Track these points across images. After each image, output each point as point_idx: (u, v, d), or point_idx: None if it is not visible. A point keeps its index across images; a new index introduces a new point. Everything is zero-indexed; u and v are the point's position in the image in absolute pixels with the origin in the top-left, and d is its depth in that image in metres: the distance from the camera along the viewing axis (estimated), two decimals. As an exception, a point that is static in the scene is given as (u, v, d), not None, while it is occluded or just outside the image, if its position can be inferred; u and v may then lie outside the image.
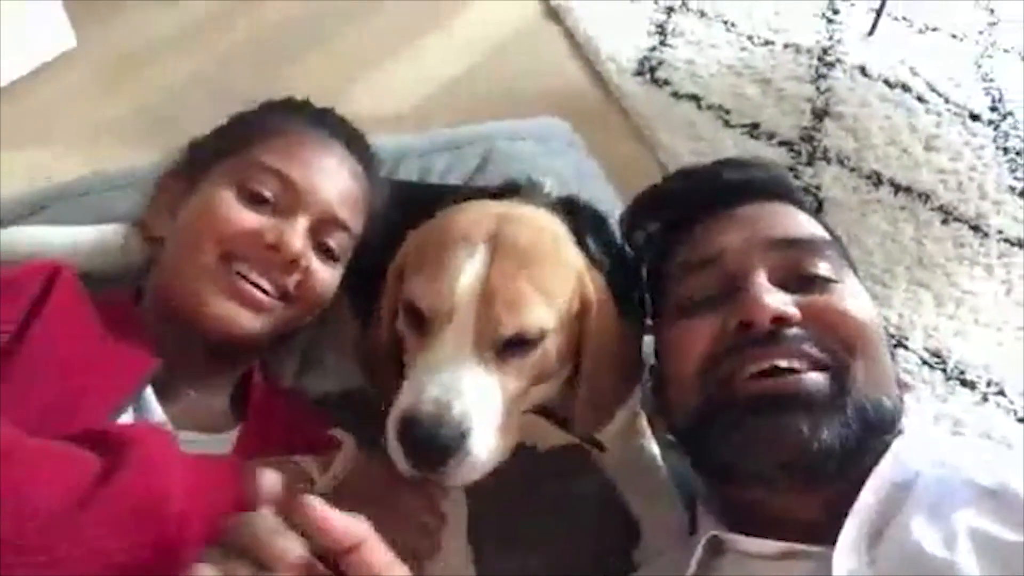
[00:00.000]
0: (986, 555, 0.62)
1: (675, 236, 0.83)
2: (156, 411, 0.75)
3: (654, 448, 0.93)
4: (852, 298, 0.74)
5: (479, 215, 0.74)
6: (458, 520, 0.82)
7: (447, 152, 1.35)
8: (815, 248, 0.76)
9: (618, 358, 0.79)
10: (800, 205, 0.83)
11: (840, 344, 0.71)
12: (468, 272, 0.69)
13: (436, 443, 0.65)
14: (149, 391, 0.76)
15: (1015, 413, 1.37)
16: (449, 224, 0.74)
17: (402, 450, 0.67)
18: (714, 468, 0.78)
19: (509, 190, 0.85)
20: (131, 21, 1.98)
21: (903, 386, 0.77)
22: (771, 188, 0.82)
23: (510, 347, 0.69)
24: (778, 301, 0.71)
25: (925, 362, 1.43)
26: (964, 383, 1.41)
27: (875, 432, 0.70)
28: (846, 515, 0.67)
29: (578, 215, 0.83)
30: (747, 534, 0.73)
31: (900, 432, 0.75)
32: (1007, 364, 1.45)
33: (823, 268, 0.74)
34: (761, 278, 0.73)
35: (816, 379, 0.69)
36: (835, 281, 0.75)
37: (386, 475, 0.70)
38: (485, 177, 1.31)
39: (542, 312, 0.70)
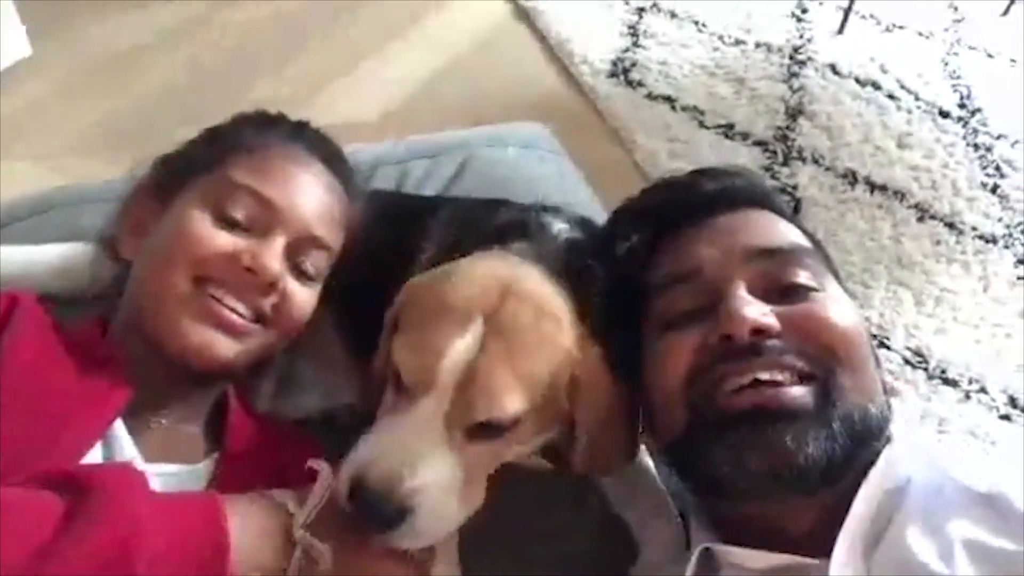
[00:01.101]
0: (983, 566, 0.62)
1: (656, 247, 0.82)
2: (126, 445, 0.72)
3: (649, 462, 0.91)
4: (834, 305, 0.73)
5: (483, 284, 0.72)
6: (448, 548, 0.79)
7: (425, 159, 1.32)
8: (794, 257, 0.75)
9: (615, 420, 0.78)
10: (779, 212, 0.82)
11: (823, 353, 0.70)
12: (456, 351, 0.67)
13: (379, 513, 0.65)
14: (119, 425, 0.72)
15: (997, 410, 1.38)
16: (451, 288, 0.72)
17: (349, 504, 0.66)
18: (702, 482, 0.77)
19: (517, 226, 0.83)
20: (91, 30, 1.92)
21: (890, 391, 0.77)
22: (749, 196, 0.82)
23: (481, 429, 0.69)
24: (757, 313, 0.70)
25: (907, 361, 1.44)
26: (946, 381, 1.41)
27: (863, 441, 0.69)
28: (840, 524, 0.66)
29: (586, 255, 0.82)
30: (741, 546, 0.72)
31: (889, 439, 0.75)
32: (986, 361, 1.46)
33: (803, 276, 0.74)
34: (740, 290, 0.72)
35: (799, 392, 0.68)
36: (816, 289, 0.74)
37: None
38: (464, 184, 1.28)
39: (520, 401, 0.69)
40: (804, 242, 0.78)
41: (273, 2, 2.11)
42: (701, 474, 0.74)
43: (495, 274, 0.73)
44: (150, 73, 1.78)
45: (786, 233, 0.78)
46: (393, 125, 1.76)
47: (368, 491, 0.65)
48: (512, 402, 0.68)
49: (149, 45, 1.89)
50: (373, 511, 0.65)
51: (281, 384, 0.97)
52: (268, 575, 0.63)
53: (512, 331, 0.69)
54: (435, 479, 0.66)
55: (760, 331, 0.69)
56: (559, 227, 0.84)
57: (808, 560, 0.67)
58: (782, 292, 0.73)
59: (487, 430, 0.69)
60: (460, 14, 2.23)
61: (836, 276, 0.79)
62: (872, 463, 0.70)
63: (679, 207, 0.82)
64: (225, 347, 0.78)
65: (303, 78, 1.87)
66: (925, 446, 0.86)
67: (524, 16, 2.22)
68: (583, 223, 0.89)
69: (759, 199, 0.82)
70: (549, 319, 0.72)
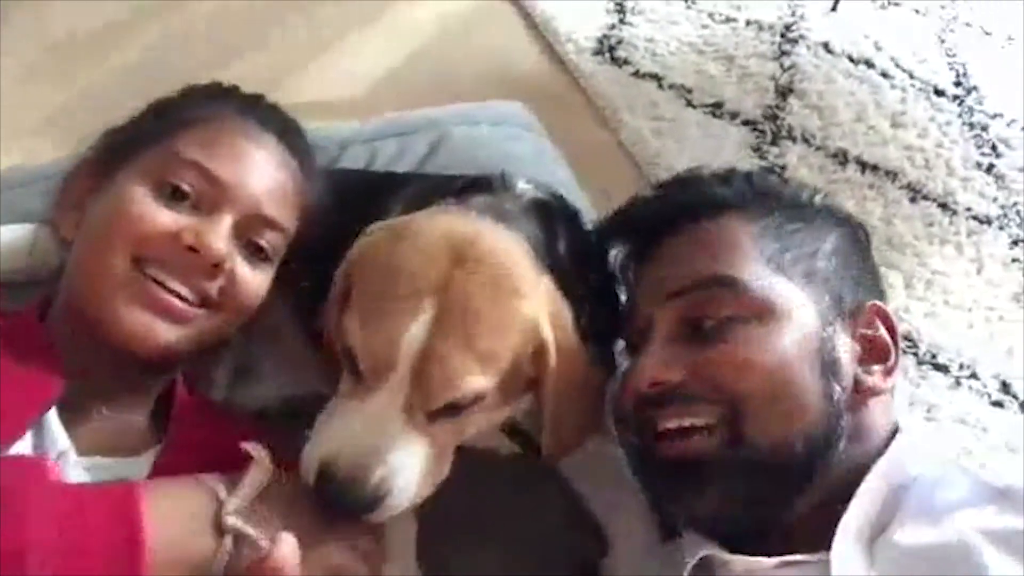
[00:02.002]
0: (1004, 548, 0.62)
1: (636, 260, 0.85)
2: (59, 437, 0.68)
3: (617, 451, 0.87)
4: (753, 337, 0.72)
5: (434, 252, 0.69)
6: (405, 538, 0.76)
7: (396, 138, 1.28)
8: (714, 289, 0.75)
9: (582, 389, 0.76)
10: (750, 213, 0.80)
11: (730, 397, 0.71)
12: (410, 337, 0.66)
13: (350, 502, 0.65)
14: (52, 415, 0.68)
15: (989, 396, 1.34)
16: (401, 258, 0.69)
17: (316, 494, 0.66)
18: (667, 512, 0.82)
19: (480, 186, 0.81)
20: (58, 12, 1.87)
21: (869, 390, 0.75)
22: (719, 203, 0.81)
23: (444, 409, 0.68)
24: (657, 366, 0.73)
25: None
26: (937, 367, 1.37)
27: (786, 473, 0.71)
28: (833, 523, 0.67)
29: (552, 218, 0.80)
30: (739, 550, 0.72)
31: (898, 431, 0.76)
32: (978, 346, 1.42)
33: (720, 311, 0.73)
34: (653, 341, 0.75)
35: (702, 443, 0.71)
36: (736, 319, 0.73)
37: (316, 511, 0.66)
38: (436, 163, 1.24)
39: (480, 380, 0.67)
40: (740, 265, 0.75)
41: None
42: (663, 508, 0.80)
43: (447, 239, 0.70)
44: (118, 54, 1.74)
45: (721, 257, 0.76)
46: (370, 105, 1.71)
47: (339, 481, 0.64)
48: (471, 383, 0.67)
49: (118, 25, 1.85)
50: (345, 499, 0.65)
51: (238, 373, 0.94)
52: (197, 566, 0.60)
53: (467, 306, 0.67)
54: (404, 462, 0.66)
55: (659, 384, 0.73)
56: (523, 186, 0.81)
57: (810, 557, 0.67)
58: (701, 331, 0.74)
59: (449, 409, 0.68)
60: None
61: (837, 278, 0.77)
62: (867, 459, 0.71)
63: (653, 221, 0.84)
64: (165, 332, 0.74)
65: (278, 59, 1.82)
66: (932, 439, 0.88)
67: (509, -6, 2.17)
68: (552, 192, 0.87)
69: (724, 205, 0.81)
70: (507, 286, 0.70)
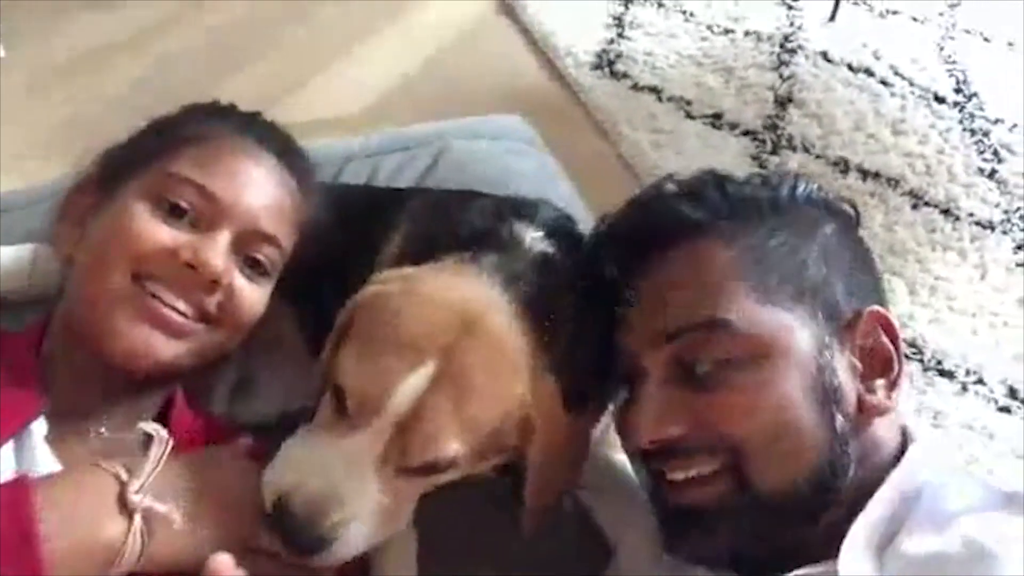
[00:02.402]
0: (1013, 554, 0.60)
1: (624, 280, 0.80)
2: (39, 458, 0.68)
3: (622, 458, 0.87)
4: (750, 378, 0.70)
5: (443, 317, 0.68)
6: (406, 548, 0.76)
7: (397, 153, 1.28)
8: (706, 334, 0.71)
9: (566, 458, 0.77)
10: (725, 234, 0.74)
11: (732, 445, 0.70)
12: (404, 388, 0.65)
13: (296, 538, 0.64)
14: (36, 437, 0.68)
15: (996, 402, 1.33)
16: (409, 314, 0.69)
17: (268, 520, 0.65)
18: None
19: (489, 239, 0.78)
20: (64, 30, 1.89)
21: (874, 410, 0.72)
22: (692, 227, 0.76)
23: (416, 468, 0.68)
24: (654, 423, 0.71)
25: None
26: (942, 373, 1.37)
27: (796, 510, 0.70)
28: (843, 534, 0.66)
29: (559, 271, 0.78)
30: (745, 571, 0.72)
31: (911, 439, 0.74)
32: (984, 351, 1.41)
33: (715, 355, 0.70)
34: (648, 389, 0.73)
35: (705, 491, 0.70)
36: (730, 362, 0.70)
37: (228, 479, 0.68)
38: (437, 177, 1.25)
39: (459, 447, 0.67)
40: (727, 303, 0.71)
41: (239, 3, 2.09)
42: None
43: (457, 305, 0.70)
44: (120, 73, 1.76)
45: (707, 296, 0.72)
46: (372, 121, 1.72)
47: (291, 516, 0.64)
48: (450, 448, 0.66)
49: (120, 45, 1.87)
50: (292, 534, 0.64)
51: (237, 388, 0.94)
52: (108, 550, 0.60)
53: (464, 375, 0.67)
54: (361, 511, 0.65)
55: (662, 440, 0.71)
56: (532, 237, 0.79)
57: (818, 568, 0.66)
58: (694, 375, 0.71)
59: (422, 468, 0.67)
60: (443, 9, 2.20)
61: (805, 290, 0.72)
62: (872, 475, 0.70)
63: (621, 250, 0.80)
64: (164, 348, 0.75)
65: (278, 76, 1.84)
66: (943, 450, 0.86)
67: (508, 10, 2.19)
68: (559, 225, 0.84)
69: (698, 229, 0.75)
70: (506, 363, 0.70)
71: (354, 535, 0.65)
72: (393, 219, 0.88)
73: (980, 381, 1.36)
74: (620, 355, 0.77)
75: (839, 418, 0.70)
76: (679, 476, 0.71)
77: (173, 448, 0.66)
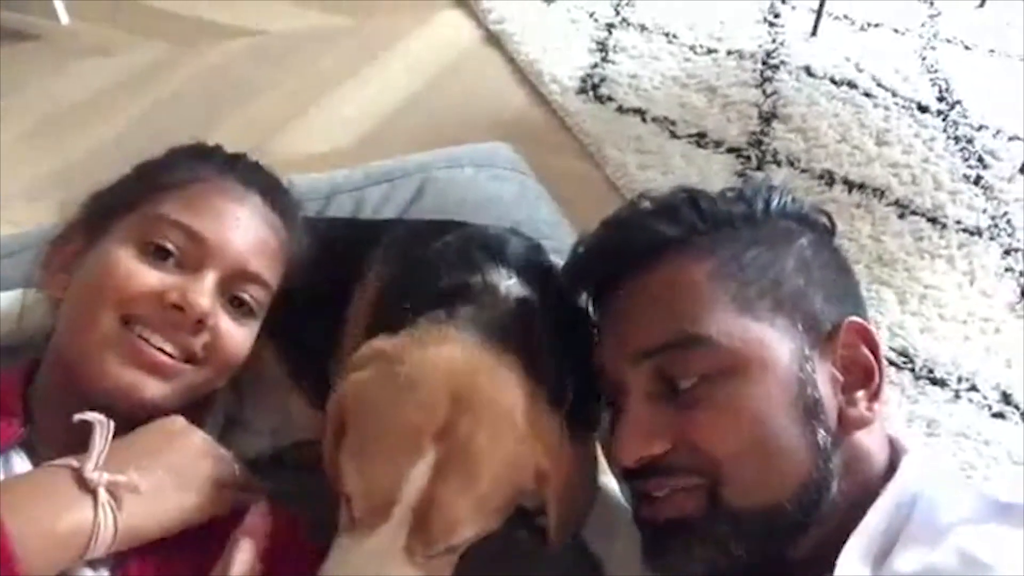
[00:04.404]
0: (1007, 564, 0.60)
1: (598, 307, 0.82)
2: None
3: (610, 482, 0.87)
4: (731, 395, 0.69)
5: (432, 399, 0.68)
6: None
7: (383, 184, 1.30)
8: (685, 350, 0.71)
9: (582, 488, 0.78)
10: (701, 250, 0.75)
11: (709, 465, 0.69)
12: (410, 485, 0.65)
13: None
14: (20, 471, 0.69)
15: (989, 408, 1.32)
16: (395, 409, 0.68)
17: None
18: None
19: (463, 292, 0.78)
20: (62, 77, 1.93)
21: (854, 424, 0.71)
22: (667, 243, 0.75)
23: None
24: (638, 441, 0.71)
25: (892, 363, 1.39)
26: (934, 381, 1.36)
27: (778, 528, 0.69)
28: (843, 543, 0.65)
29: (535, 313, 0.78)
30: None
31: (902, 451, 0.73)
32: (976, 358, 1.41)
33: (694, 371, 0.70)
34: (630, 410, 0.73)
35: (683, 503, 0.70)
36: (710, 377, 0.70)
37: (162, 439, 0.71)
38: (422, 206, 1.26)
39: (476, 524, 0.68)
40: (704, 317, 0.71)
41: (232, 44, 2.13)
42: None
43: (443, 380, 0.69)
44: (111, 121, 1.79)
45: (684, 311, 0.72)
46: (360, 153, 1.74)
47: None
48: (469, 530, 0.67)
49: (116, 91, 1.90)
50: None
51: (227, 424, 0.94)
52: (79, 534, 0.62)
53: (466, 454, 0.66)
54: None
55: (644, 458, 0.71)
56: (506, 285, 0.78)
57: None
58: (676, 391, 0.71)
59: (449, 549, 0.68)
60: (429, 42, 2.24)
61: (807, 297, 0.73)
62: (863, 491, 0.69)
63: (597, 272, 0.80)
64: (153, 388, 0.76)
65: (270, 116, 1.87)
66: (938, 459, 0.85)
67: (494, 41, 2.22)
68: (529, 260, 0.84)
69: (671, 246, 0.75)
70: (505, 426, 0.69)
71: None
72: (366, 255, 0.89)
73: (973, 388, 1.36)
74: (601, 375, 0.76)
75: (821, 432, 0.69)
76: (660, 493, 0.70)
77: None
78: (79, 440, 0.76)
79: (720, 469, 0.68)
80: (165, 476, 0.67)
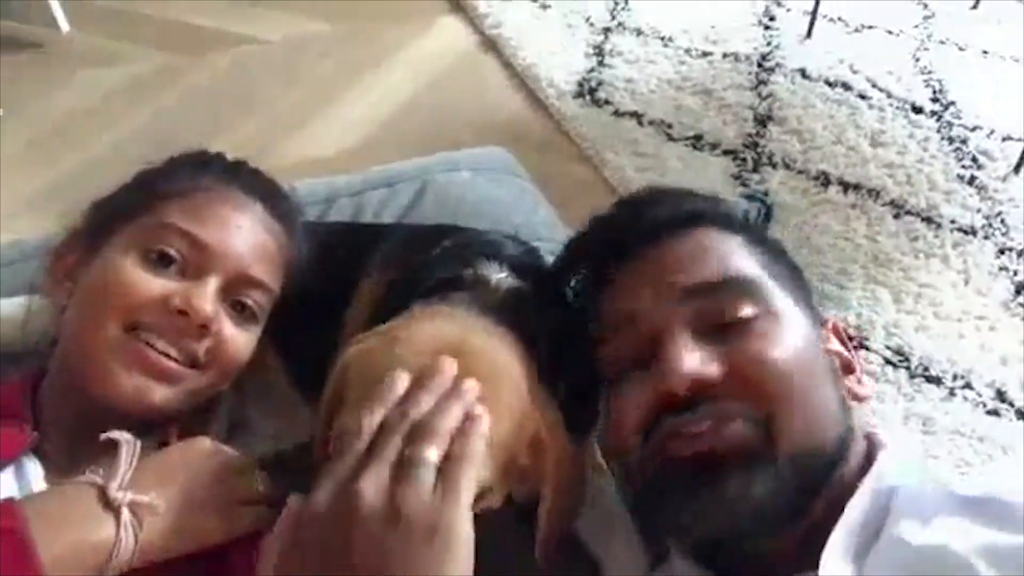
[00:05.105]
0: (989, 559, 0.60)
1: (599, 285, 0.80)
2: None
3: (605, 483, 0.88)
4: (778, 334, 0.70)
5: (429, 355, 0.68)
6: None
7: (382, 189, 1.32)
8: (731, 290, 0.72)
9: (575, 476, 0.77)
10: (726, 226, 0.78)
11: (764, 396, 0.68)
12: None
13: None
14: (34, 476, 0.70)
15: (984, 406, 1.34)
16: (398, 363, 0.68)
17: None
18: (669, 530, 0.76)
19: (455, 283, 0.79)
20: (63, 87, 1.95)
21: (857, 398, 0.75)
22: (692, 216, 0.78)
23: None
24: (695, 363, 0.68)
25: (888, 361, 1.40)
26: (929, 379, 1.37)
27: (813, 480, 0.68)
28: (826, 536, 0.65)
29: (528, 306, 0.79)
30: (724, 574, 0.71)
31: (879, 445, 0.74)
32: (971, 355, 1.42)
33: (743, 311, 0.71)
34: (677, 339, 0.70)
35: (739, 430, 0.67)
36: (760, 316, 0.71)
37: (186, 460, 0.71)
38: (421, 210, 1.28)
39: (484, 473, 0.66)
40: (746, 268, 0.74)
41: (233, 53, 2.14)
42: (664, 524, 0.74)
43: (440, 338, 0.69)
44: (114, 130, 1.80)
45: (725, 261, 0.74)
46: (360, 159, 1.76)
47: None
48: (480, 473, 0.65)
49: (117, 100, 1.91)
50: None
51: (232, 426, 0.96)
52: (101, 551, 0.63)
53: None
54: None
55: (699, 383, 0.68)
56: (498, 277, 0.80)
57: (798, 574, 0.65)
58: (721, 329, 0.70)
59: None
60: (426, 48, 2.25)
61: (801, 290, 0.77)
62: (843, 480, 0.70)
63: (618, 239, 0.80)
64: (157, 393, 0.77)
65: (269, 125, 1.88)
66: (913, 454, 0.86)
67: (491, 46, 2.24)
68: (524, 261, 0.85)
69: (703, 218, 0.78)
70: (502, 376, 0.70)
71: None
72: (364, 260, 0.90)
73: (968, 386, 1.37)
74: (630, 322, 0.74)
75: (842, 392, 0.72)
76: (705, 426, 0.67)
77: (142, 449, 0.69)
78: (87, 445, 0.78)
79: (772, 402, 0.67)
80: (187, 498, 0.68)
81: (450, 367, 0.64)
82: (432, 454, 0.57)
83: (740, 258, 0.75)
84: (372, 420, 0.59)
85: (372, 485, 0.55)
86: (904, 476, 0.72)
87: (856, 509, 0.67)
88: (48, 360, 0.85)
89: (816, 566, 0.64)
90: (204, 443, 0.75)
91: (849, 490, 0.69)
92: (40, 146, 1.72)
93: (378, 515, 0.54)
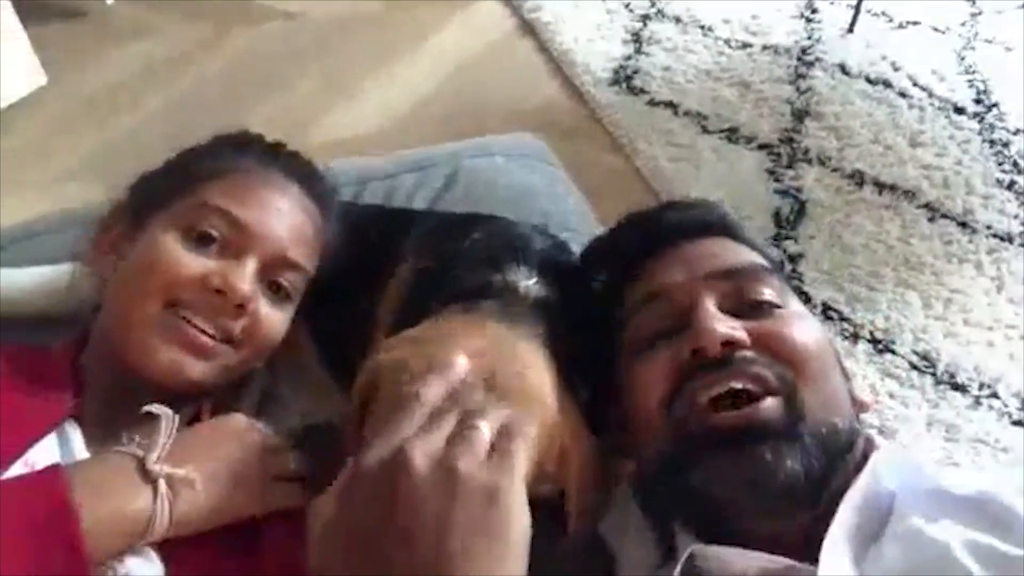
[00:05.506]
0: (987, 565, 0.60)
1: (624, 280, 0.84)
2: (79, 457, 0.73)
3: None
4: (798, 321, 0.75)
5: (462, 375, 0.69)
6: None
7: (414, 172, 1.33)
8: (758, 275, 0.77)
9: (598, 477, 0.78)
10: (742, 239, 0.84)
11: (788, 368, 0.71)
12: None
13: None
14: (76, 438, 0.73)
15: (1010, 416, 1.32)
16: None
17: None
18: (686, 504, 0.77)
19: (484, 289, 0.81)
20: (104, 57, 1.97)
21: (859, 404, 0.77)
22: (711, 225, 0.84)
23: None
24: (725, 326, 0.72)
25: (914, 366, 1.39)
26: (955, 386, 1.36)
27: (834, 455, 0.70)
28: (817, 542, 0.66)
29: (556, 313, 0.81)
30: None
31: (873, 446, 0.75)
32: (1000, 364, 1.41)
33: (767, 294, 0.76)
34: (708, 306, 0.74)
35: (771, 406, 0.69)
36: (780, 306, 0.76)
37: (222, 436, 0.74)
38: (453, 195, 1.28)
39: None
40: (766, 263, 0.81)
41: (269, 27, 2.15)
42: (684, 493, 0.74)
43: (473, 357, 0.69)
44: (151, 102, 1.82)
45: (748, 255, 0.80)
46: (393, 140, 1.77)
47: None
48: None
49: (157, 71, 1.94)
50: None
51: (263, 402, 0.98)
52: (138, 522, 0.65)
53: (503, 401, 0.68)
54: None
55: (730, 343, 0.71)
56: (526, 285, 0.82)
57: (799, 564, 0.66)
58: (748, 309, 0.75)
59: None
60: (463, 31, 2.25)
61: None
62: (847, 474, 0.70)
63: (643, 239, 0.84)
64: (194, 368, 0.80)
65: (305, 100, 1.90)
66: (908, 455, 0.87)
67: (528, 29, 2.23)
68: (552, 259, 0.87)
69: (721, 227, 0.84)
70: (534, 398, 0.71)
71: None
72: (399, 250, 0.91)
73: (994, 395, 1.35)
74: (660, 296, 0.78)
75: (851, 388, 0.75)
76: (739, 384, 0.70)
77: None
78: (123, 415, 0.80)
79: (797, 370, 0.70)
80: (222, 473, 0.71)
81: None
82: (485, 427, 0.56)
83: (762, 259, 0.81)
84: (429, 392, 0.60)
85: (427, 445, 0.55)
86: (900, 477, 0.72)
87: (851, 504, 0.68)
88: (90, 327, 0.88)
89: (815, 561, 0.64)
90: (240, 420, 0.77)
91: (842, 488, 0.70)
92: (84, 114, 1.75)
93: (432, 475, 0.53)
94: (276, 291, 0.85)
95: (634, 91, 1.97)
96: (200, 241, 0.82)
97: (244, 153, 0.91)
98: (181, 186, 0.87)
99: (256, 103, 1.81)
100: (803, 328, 0.74)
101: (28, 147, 1.54)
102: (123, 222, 0.89)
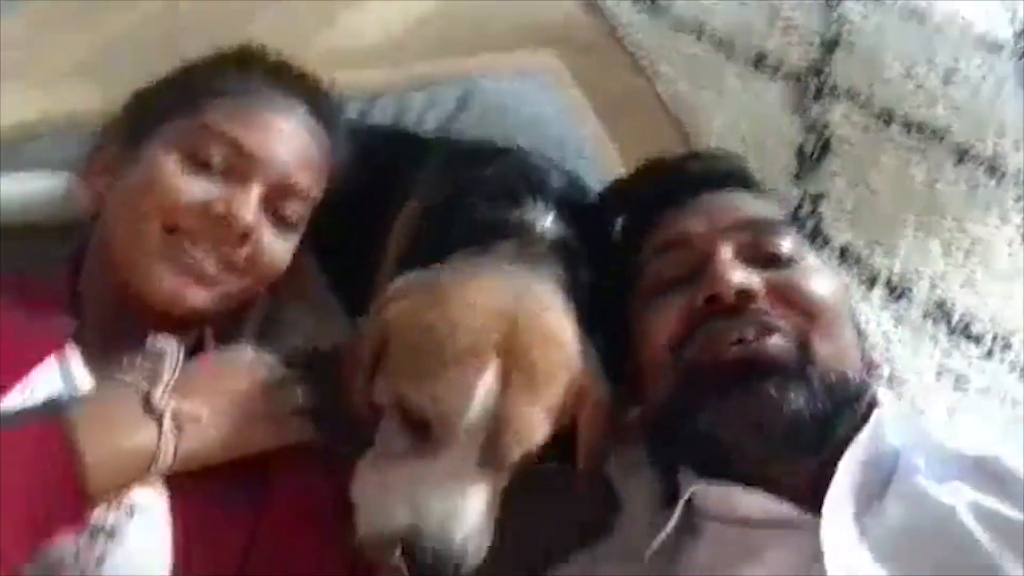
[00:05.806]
0: (989, 528, 0.63)
1: (643, 227, 0.86)
2: (80, 383, 0.72)
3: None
4: (815, 274, 0.78)
5: (489, 317, 0.70)
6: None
7: (424, 91, 1.28)
8: (776, 228, 0.80)
9: (610, 419, 0.80)
10: (760, 194, 0.89)
11: (802, 318, 0.74)
12: (481, 395, 0.67)
13: (440, 569, 0.66)
14: (76, 365, 0.71)
15: (1022, 369, 1.31)
16: (452, 328, 0.69)
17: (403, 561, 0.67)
18: (692, 445, 0.78)
19: (504, 229, 0.81)
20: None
21: (869, 362, 0.82)
22: (731, 177, 0.88)
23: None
24: (742, 276, 0.74)
25: (928, 314, 1.37)
26: (969, 337, 1.34)
27: (841, 403, 0.73)
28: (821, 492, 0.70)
29: (574, 254, 0.82)
30: None
31: (876, 404, 0.78)
32: (1016, 316, 1.38)
33: (785, 247, 0.78)
34: (726, 255, 0.76)
35: (780, 344, 0.72)
36: (797, 260, 0.78)
37: (229, 370, 0.73)
38: (466, 119, 1.25)
39: (547, 433, 0.71)
40: (783, 217, 0.87)
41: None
42: (691, 436, 0.76)
43: (498, 302, 0.71)
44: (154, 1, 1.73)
45: (767, 209, 0.84)
46: (402, 52, 1.68)
47: (423, 551, 0.65)
48: (541, 435, 0.71)
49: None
50: (432, 568, 0.66)
51: (265, 325, 0.96)
52: (143, 456, 0.65)
53: (528, 365, 0.69)
54: (480, 518, 0.69)
55: (745, 292, 0.73)
56: (542, 225, 0.82)
57: (801, 514, 0.69)
58: (765, 260, 0.77)
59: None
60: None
61: None
62: (855, 427, 0.73)
63: (665, 188, 0.87)
64: (195, 296, 0.78)
65: (308, 8, 1.80)
66: (912, 414, 0.90)
67: (545, -63, 2.10)
68: (569, 196, 0.88)
69: (741, 181, 0.89)
70: (557, 341, 0.73)
71: (480, 539, 0.69)
72: (410, 177, 0.89)
73: (1007, 347, 1.33)
74: (681, 245, 0.80)
75: (863, 348, 0.80)
76: (751, 333, 0.72)
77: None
78: (123, 338, 0.78)
79: (809, 321, 0.74)
80: (228, 407, 0.69)
81: None
82: None
83: (777, 211, 0.87)
84: None
85: None
86: (904, 435, 0.75)
87: (855, 459, 0.71)
88: (84, 249, 0.85)
89: (818, 511, 0.66)
90: (247, 353, 0.75)
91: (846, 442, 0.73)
92: (67, 16, 1.66)
93: None
94: (281, 219, 0.82)
95: (658, 10, 1.87)
96: (201, 164, 0.79)
97: (247, 72, 0.87)
98: (181, 106, 0.83)
99: (258, 11, 1.72)
100: (819, 281, 0.77)
101: (14, 45, 1.46)
102: (120, 141, 0.85)
